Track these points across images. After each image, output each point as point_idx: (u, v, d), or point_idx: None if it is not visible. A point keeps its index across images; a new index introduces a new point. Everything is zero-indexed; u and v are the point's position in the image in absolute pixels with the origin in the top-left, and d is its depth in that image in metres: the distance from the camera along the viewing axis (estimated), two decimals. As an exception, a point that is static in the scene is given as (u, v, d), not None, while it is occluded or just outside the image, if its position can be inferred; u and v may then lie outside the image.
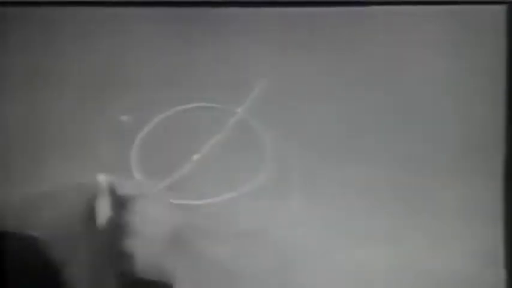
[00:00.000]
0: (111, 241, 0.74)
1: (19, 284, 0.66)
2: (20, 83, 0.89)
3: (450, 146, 0.89)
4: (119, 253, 0.72)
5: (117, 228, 0.74)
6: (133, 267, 0.70)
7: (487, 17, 0.90)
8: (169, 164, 0.86)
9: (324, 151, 0.88)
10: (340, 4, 0.92)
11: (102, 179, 0.77)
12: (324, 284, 0.83)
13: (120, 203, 0.76)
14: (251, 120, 0.89)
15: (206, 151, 0.87)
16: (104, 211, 0.75)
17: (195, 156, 0.87)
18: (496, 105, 0.89)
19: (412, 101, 0.90)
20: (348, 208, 0.85)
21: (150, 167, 0.87)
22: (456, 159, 0.88)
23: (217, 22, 0.92)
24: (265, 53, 0.92)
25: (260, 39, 0.93)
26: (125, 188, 0.77)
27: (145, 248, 0.72)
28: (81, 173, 0.84)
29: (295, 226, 0.84)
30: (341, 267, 0.83)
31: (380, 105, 0.90)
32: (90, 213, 0.75)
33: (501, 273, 0.83)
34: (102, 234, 0.75)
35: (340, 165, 0.87)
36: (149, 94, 0.90)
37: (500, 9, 0.90)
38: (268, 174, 0.86)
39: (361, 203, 0.85)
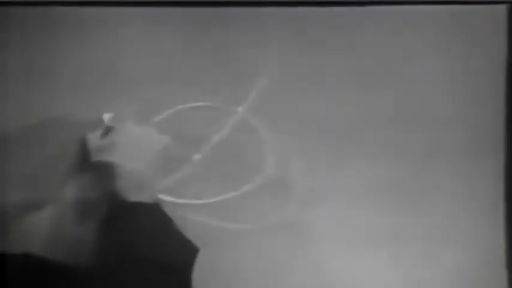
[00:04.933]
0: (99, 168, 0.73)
1: None
2: (19, 81, 0.89)
3: (450, 146, 0.89)
4: (107, 176, 0.71)
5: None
6: (121, 190, 0.69)
7: (487, 17, 0.91)
8: (169, 164, 0.85)
9: (324, 150, 0.88)
10: (340, 4, 0.92)
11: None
12: (324, 283, 0.83)
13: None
14: (251, 120, 0.89)
15: (206, 151, 0.87)
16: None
17: (196, 156, 0.87)
18: (496, 105, 0.89)
19: (412, 101, 0.90)
20: (349, 207, 0.85)
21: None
22: (456, 159, 0.88)
23: (217, 21, 0.92)
24: (265, 53, 0.92)
25: (260, 39, 0.93)
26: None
27: (132, 171, 0.71)
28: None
29: (296, 226, 0.84)
30: (341, 267, 0.83)
31: (380, 105, 0.90)
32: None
33: (502, 273, 0.83)
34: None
35: (341, 164, 0.87)
36: (149, 93, 0.89)
37: (500, 9, 0.90)
38: (268, 174, 0.86)
39: (362, 202, 0.85)
